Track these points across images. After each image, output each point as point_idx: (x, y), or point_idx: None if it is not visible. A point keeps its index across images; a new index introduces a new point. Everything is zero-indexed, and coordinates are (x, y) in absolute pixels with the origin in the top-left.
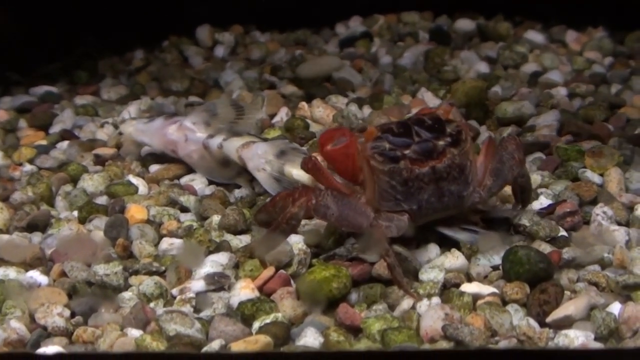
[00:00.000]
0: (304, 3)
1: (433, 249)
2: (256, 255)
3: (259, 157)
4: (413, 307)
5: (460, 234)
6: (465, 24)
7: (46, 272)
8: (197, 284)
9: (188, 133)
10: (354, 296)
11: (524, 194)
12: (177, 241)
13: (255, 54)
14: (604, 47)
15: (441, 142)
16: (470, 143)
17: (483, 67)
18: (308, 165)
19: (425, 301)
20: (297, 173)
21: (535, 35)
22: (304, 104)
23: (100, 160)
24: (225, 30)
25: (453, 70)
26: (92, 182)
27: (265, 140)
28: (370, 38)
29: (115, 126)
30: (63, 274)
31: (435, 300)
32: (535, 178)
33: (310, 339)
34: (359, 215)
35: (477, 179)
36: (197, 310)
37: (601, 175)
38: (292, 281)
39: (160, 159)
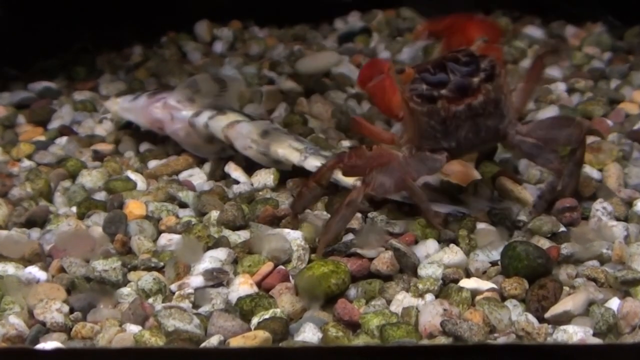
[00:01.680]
0: None
1: (432, 244)
2: (321, 242)
3: (244, 137)
4: (405, 299)
5: (446, 208)
6: None
7: (45, 268)
8: (195, 280)
9: (173, 111)
10: (352, 292)
11: (573, 176)
12: (176, 237)
13: (254, 49)
14: (603, 43)
15: (475, 79)
16: (504, 75)
17: None
18: (355, 126)
19: (420, 301)
20: (283, 152)
21: (534, 31)
22: (302, 100)
23: (98, 156)
24: (224, 26)
25: None
26: (90, 178)
27: (248, 116)
28: (369, 33)
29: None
30: (62, 269)
31: (433, 296)
32: (535, 173)
33: (309, 334)
34: (401, 174)
35: (515, 108)
36: (195, 305)
37: (600, 170)
38: (290, 277)
39: (158, 154)
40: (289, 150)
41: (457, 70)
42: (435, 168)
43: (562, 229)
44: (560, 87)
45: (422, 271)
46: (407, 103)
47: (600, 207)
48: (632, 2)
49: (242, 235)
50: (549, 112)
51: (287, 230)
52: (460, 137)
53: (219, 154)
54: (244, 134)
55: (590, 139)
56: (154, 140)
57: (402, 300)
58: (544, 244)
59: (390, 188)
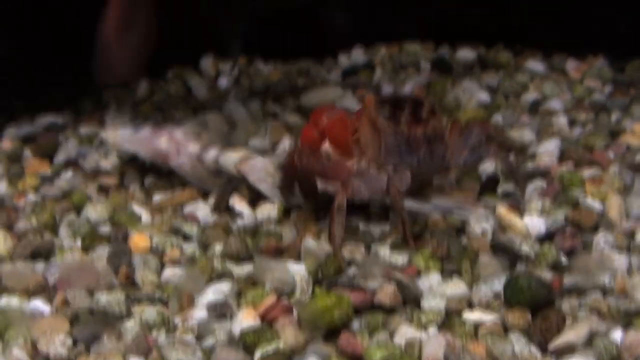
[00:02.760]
0: (307, 33)
1: (434, 276)
2: (334, 250)
3: (260, 171)
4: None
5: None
6: (466, 54)
7: (49, 300)
8: (199, 313)
9: (180, 145)
10: (355, 324)
11: (514, 174)
12: (180, 270)
13: (259, 83)
14: (604, 76)
15: (423, 112)
16: (441, 117)
17: (484, 96)
18: (300, 157)
19: (423, 333)
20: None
21: (535, 64)
22: None
23: (104, 189)
24: (229, 61)
25: (454, 100)
26: (95, 211)
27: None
28: (372, 68)
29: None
30: (66, 302)
31: (436, 328)
32: (536, 205)
33: None
34: (377, 182)
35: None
36: (199, 338)
37: (602, 202)
38: (294, 309)
39: (163, 187)
40: None
41: (407, 106)
42: (407, 181)
43: (564, 260)
44: (562, 120)
45: (425, 303)
46: (375, 122)
47: (602, 239)
48: (633, 35)
49: (245, 268)
50: (551, 144)
51: (290, 263)
52: (419, 156)
53: (223, 186)
54: (258, 167)
55: (591, 171)
56: (159, 173)
57: (406, 332)
58: (547, 275)
59: (365, 193)
